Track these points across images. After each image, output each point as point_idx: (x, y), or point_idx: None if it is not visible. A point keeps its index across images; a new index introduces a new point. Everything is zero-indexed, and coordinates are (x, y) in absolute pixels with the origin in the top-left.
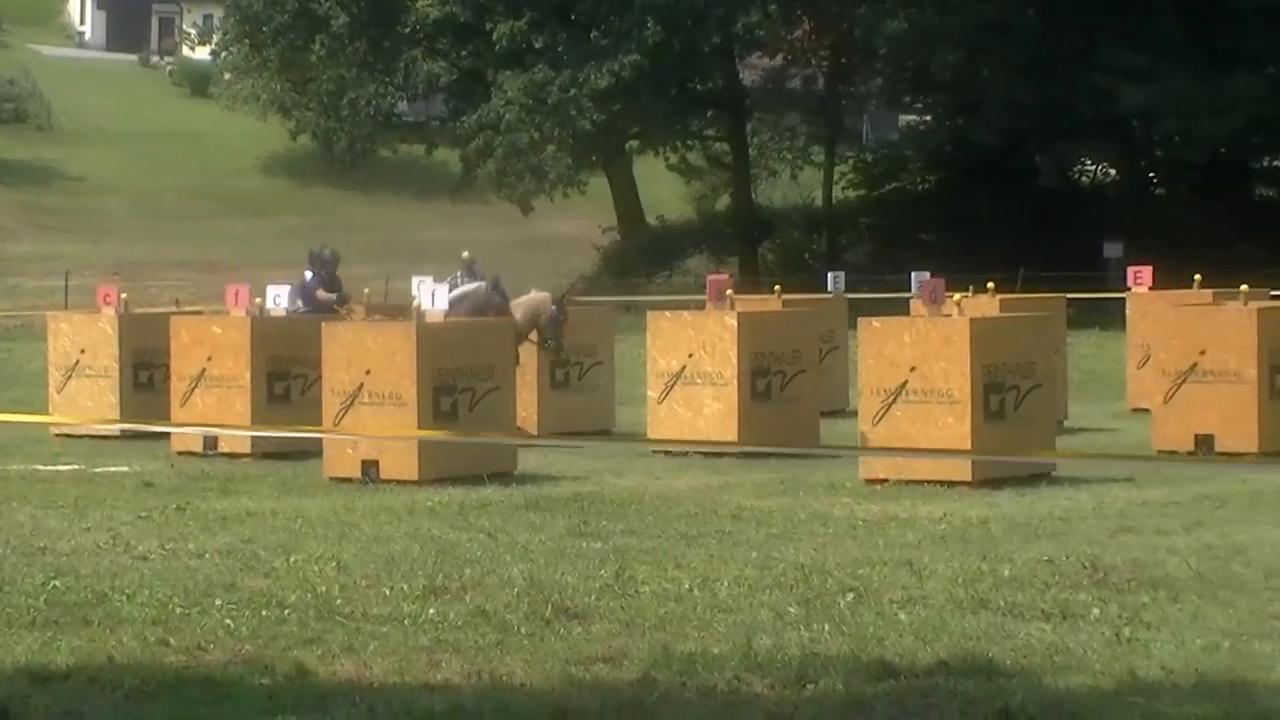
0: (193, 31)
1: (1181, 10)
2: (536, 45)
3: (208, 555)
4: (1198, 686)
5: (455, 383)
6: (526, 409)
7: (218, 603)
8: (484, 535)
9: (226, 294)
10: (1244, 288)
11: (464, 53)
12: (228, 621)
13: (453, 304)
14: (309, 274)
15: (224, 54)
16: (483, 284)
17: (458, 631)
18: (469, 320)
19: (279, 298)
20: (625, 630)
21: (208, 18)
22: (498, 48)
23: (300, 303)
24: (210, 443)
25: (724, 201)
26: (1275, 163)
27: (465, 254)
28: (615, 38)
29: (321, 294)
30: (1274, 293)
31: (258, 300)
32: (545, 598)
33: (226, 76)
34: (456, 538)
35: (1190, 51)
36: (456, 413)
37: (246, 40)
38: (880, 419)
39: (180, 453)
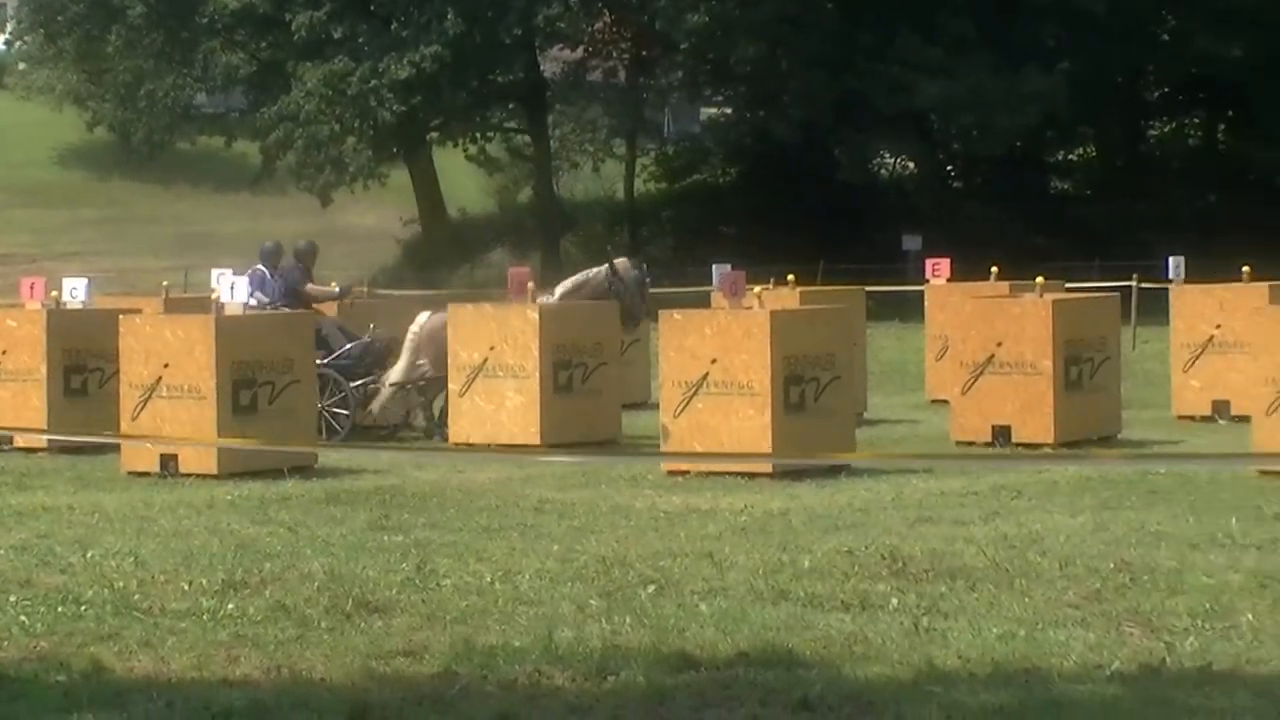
0: None
1: (978, 6)
2: (336, 36)
3: (2, 551)
4: (994, 675)
5: (255, 376)
6: None
7: (12, 599)
8: (284, 530)
9: (21, 286)
10: (1040, 280)
11: (263, 44)
12: (22, 618)
13: (569, 291)
14: (263, 268)
15: (18, 44)
16: (602, 269)
17: (257, 626)
18: (269, 313)
19: (235, 289)
20: (426, 624)
21: (1, 6)
22: (297, 39)
23: (263, 296)
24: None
25: (526, 194)
26: (1070, 156)
27: (267, 244)
28: (415, 29)
29: (316, 288)
30: (1069, 284)
31: (54, 293)
32: (346, 592)
33: (21, 66)
34: (256, 532)
35: (987, 47)
36: (256, 406)
37: (41, 30)
38: (681, 411)
39: None
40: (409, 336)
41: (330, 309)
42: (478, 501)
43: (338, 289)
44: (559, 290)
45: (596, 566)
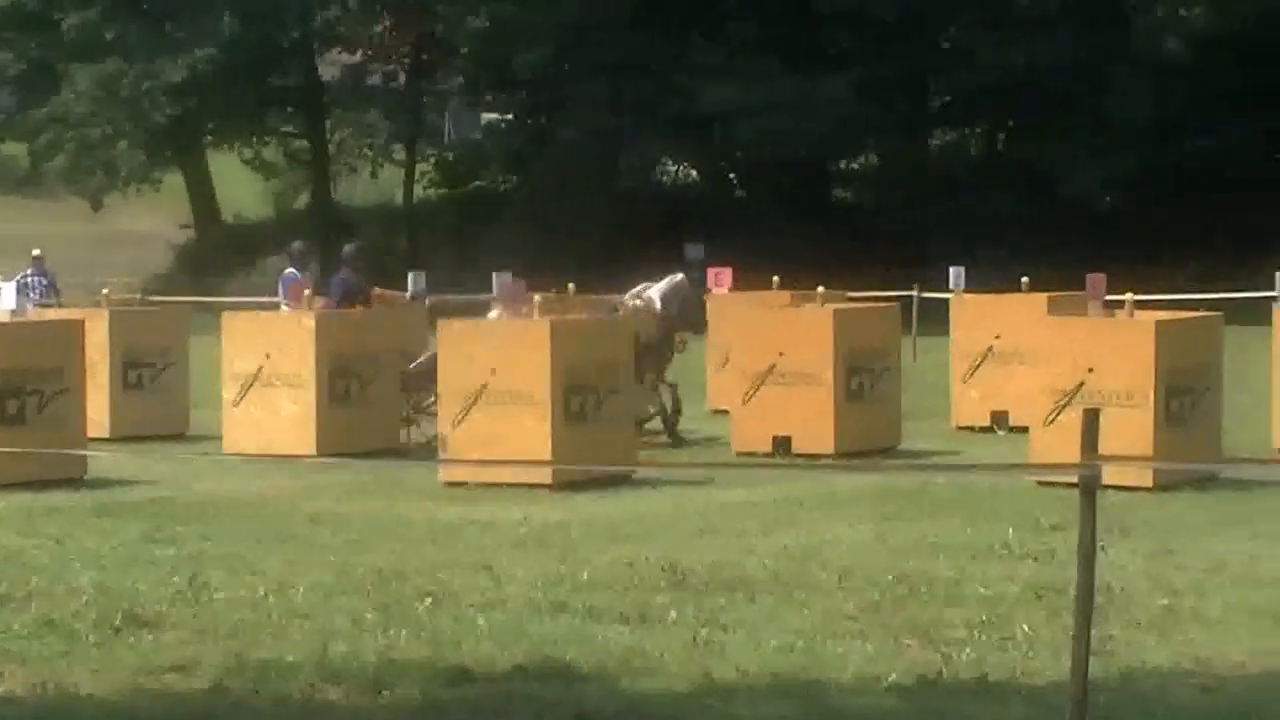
0: None
1: (764, 12)
2: (108, 37)
3: None
4: (772, 687)
5: (24, 385)
6: (98, 412)
7: None
8: (52, 542)
9: None
10: (821, 289)
11: (32, 44)
12: None
13: (666, 299)
14: (293, 270)
15: None
16: (681, 276)
17: (22, 641)
18: (38, 320)
19: (2, 293)
20: (198, 638)
21: None
22: (67, 39)
23: (283, 298)
24: None
25: (303, 200)
26: (853, 165)
27: (36, 251)
28: (190, 31)
29: (387, 291)
30: (851, 294)
31: None
32: (115, 606)
33: None
34: (22, 545)
35: (772, 53)
36: (24, 416)
37: None
38: (461, 421)
39: None
40: None
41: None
42: (252, 513)
43: (409, 293)
44: (656, 292)
45: (373, 579)
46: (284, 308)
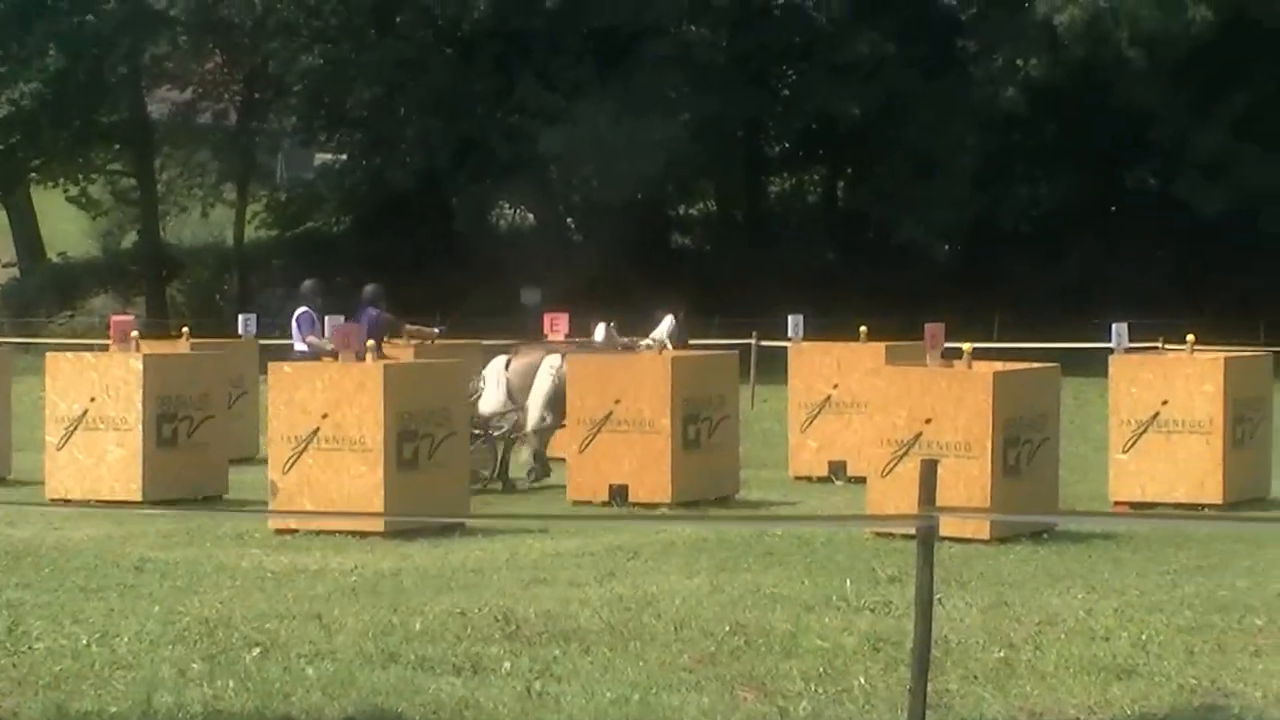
0: None
1: (600, 55)
2: None
3: None
4: None
5: None
6: None
7: None
8: None
9: None
10: (659, 336)
11: None
12: None
13: (673, 340)
14: (308, 309)
15: None
16: (671, 317)
17: None
18: None
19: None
20: (17, 689)
21: None
22: None
23: (315, 338)
24: None
25: (131, 238)
26: (691, 210)
27: (307, 283)
28: (15, 64)
29: (417, 327)
30: (692, 341)
31: None
32: None
33: None
34: None
35: (608, 95)
36: None
37: None
38: (291, 467)
39: None
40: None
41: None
42: (75, 560)
43: (437, 330)
44: (664, 334)
45: (199, 628)
46: (299, 347)
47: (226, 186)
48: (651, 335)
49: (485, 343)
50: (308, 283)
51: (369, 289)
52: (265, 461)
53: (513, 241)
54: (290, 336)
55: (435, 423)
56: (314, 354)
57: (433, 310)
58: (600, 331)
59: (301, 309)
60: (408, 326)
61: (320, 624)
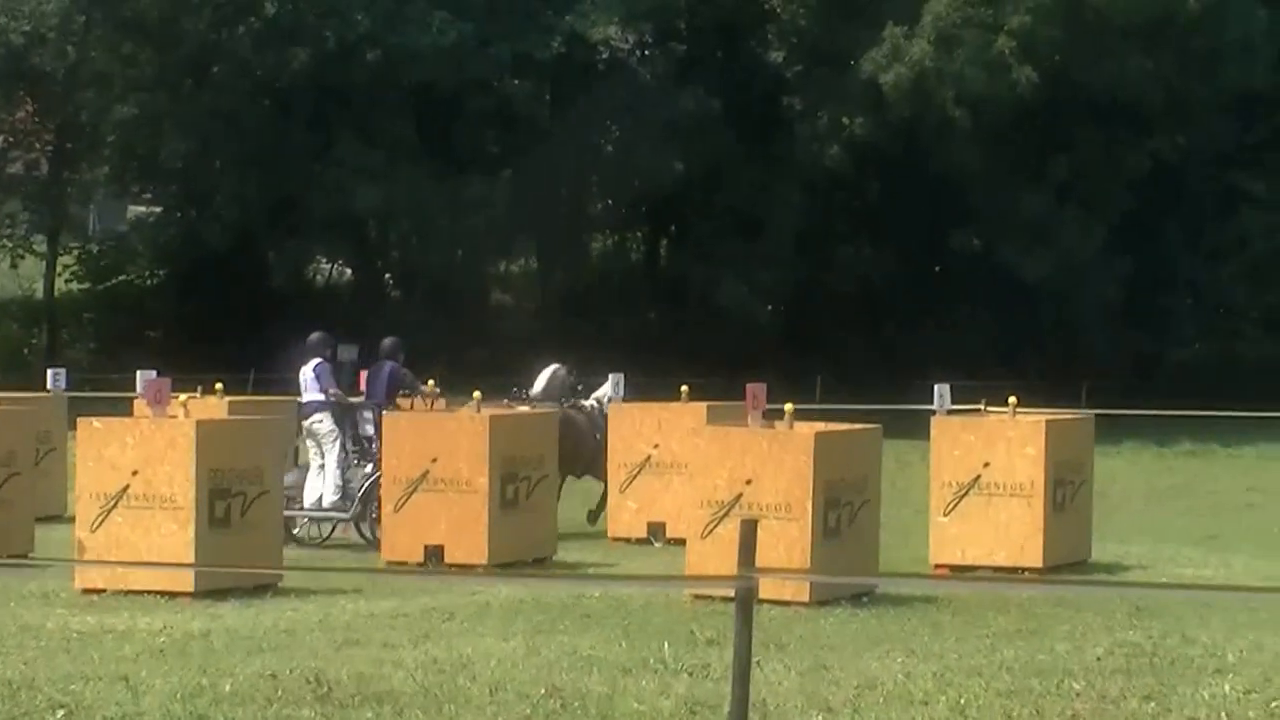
0: None
1: (420, 112)
2: None
3: None
4: None
5: None
6: None
7: None
8: None
9: None
10: (477, 394)
11: None
12: None
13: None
14: (322, 360)
15: None
16: (559, 368)
17: None
18: None
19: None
20: None
21: None
22: None
23: (334, 388)
24: None
25: None
26: (511, 268)
27: (314, 335)
28: None
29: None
30: (507, 400)
31: None
32: None
33: None
34: None
35: (428, 153)
36: None
37: None
38: (99, 525)
39: None
40: None
41: None
42: None
43: (437, 389)
44: (605, 393)
45: (2, 690)
46: (309, 398)
47: (37, 238)
48: (594, 395)
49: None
50: (316, 334)
51: (387, 342)
52: (73, 519)
53: (330, 297)
54: (300, 390)
55: (249, 481)
56: (335, 404)
57: (246, 368)
58: (142, 381)
59: (315, 360)
60: (429, 383)
61: (127, 685)
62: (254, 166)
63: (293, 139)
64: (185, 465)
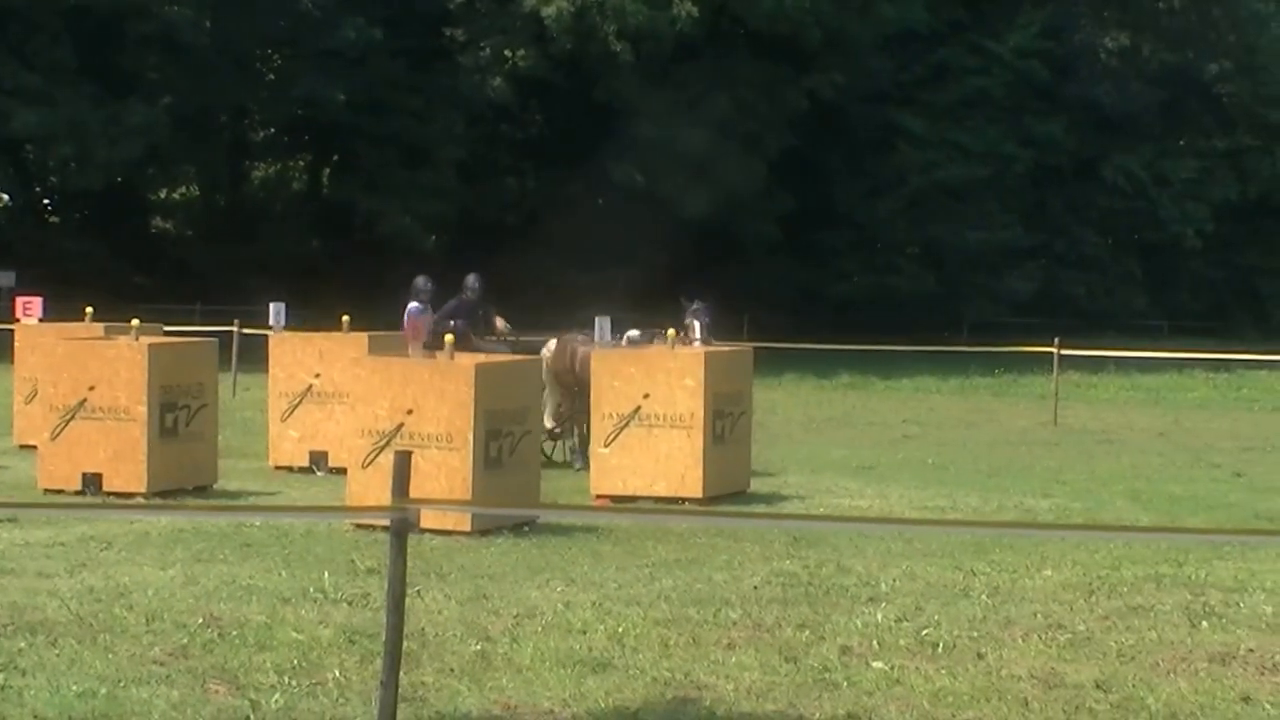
0: None
1: (77, 34)
2: None
3: None
4: None
5: None
6: None
7: None
8: None
9: None
10: (136, 322)
11: None
12: None
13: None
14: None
15: None
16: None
17: None
18: None
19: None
20: None
21: None
22: None
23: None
24: None
25: None
26: (172, 195)
27: (420, 279)
28: None
29: (502, 322)
30: (168, 328)
31: None
32: None
33: None
34: None
35: (86, 76)
36: None
37: None
38: None
39: None
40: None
41: None
42: None
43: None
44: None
45: None
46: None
47: None
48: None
49: None
50: (420, 279)
51: (470, 279)
52: None
53: None
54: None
55: None
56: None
57: None
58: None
59: (413, 304)
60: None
61: None
62: None
63: None
64: None
